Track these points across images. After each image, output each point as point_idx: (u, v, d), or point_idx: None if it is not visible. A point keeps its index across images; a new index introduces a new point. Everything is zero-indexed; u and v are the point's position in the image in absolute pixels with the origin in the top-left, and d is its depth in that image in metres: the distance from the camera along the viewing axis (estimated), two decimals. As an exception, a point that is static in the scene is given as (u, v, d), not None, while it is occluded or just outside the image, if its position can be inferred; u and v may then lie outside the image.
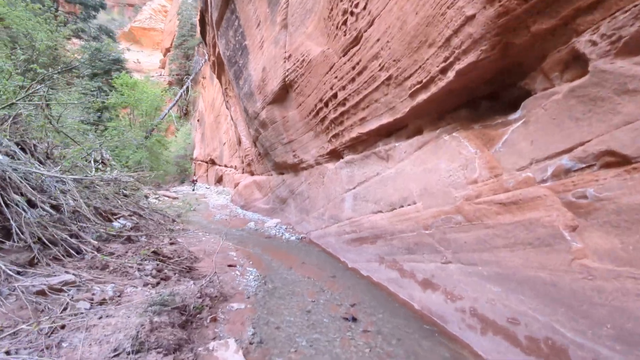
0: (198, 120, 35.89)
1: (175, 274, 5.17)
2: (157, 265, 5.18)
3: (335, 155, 7.75)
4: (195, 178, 31.09)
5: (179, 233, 8.69)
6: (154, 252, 5.59)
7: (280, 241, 9.59)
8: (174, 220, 10.69)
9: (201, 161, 34.34)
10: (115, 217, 6.94)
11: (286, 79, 8.42)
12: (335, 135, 7.20)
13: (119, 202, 8.03)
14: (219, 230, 10.82)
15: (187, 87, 27.56)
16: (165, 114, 25.36)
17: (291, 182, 10.67)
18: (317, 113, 7.60)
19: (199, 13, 16.47)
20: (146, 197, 15.78)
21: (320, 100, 7.20)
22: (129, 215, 7.29)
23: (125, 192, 9.29)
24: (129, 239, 6.12)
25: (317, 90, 7.29)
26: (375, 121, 5.70)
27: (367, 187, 6.45)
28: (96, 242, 4.88)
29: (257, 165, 14.44)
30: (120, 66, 27.47)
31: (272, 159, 11.06)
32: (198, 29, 17.72)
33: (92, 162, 9.67)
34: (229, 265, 6.59)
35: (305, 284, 6.01)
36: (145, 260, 5.16)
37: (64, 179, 5.80)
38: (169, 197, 20.51)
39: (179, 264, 5.59)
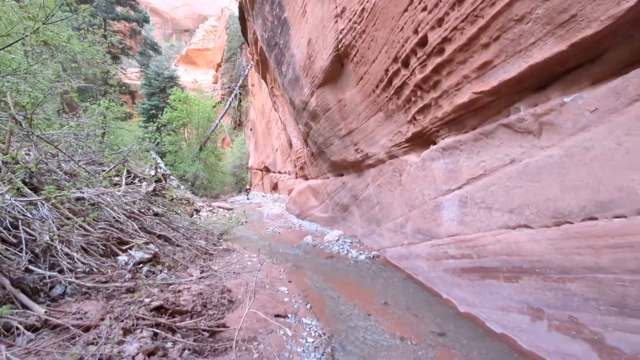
0: (251, 129, 34.94)
1: (182, 352, 2.93)
2: (153, 336, 2.98)
3: (421, 141, 5.12)
4: (248, 187, 29.87)
5: (215, 259, 6.61)
6: (156, 308, 3.42)
7: (345, 262, 7.13)
8: (218, 238, 8.75)
9: (256, 169, 33.20)
10: (126, 246, 4.96)
11: (340, 46, 5.98)
12: (423, 110, 4.58)
13: (144, 221, 6.13)
14: (270, 247, 8.67)
15: (236, 94, 26.47)
16: (217, 125, 24.36)
17: (353, 185, 8.18)
18: (389, 82, 5.05)
19: (238, 9, 14.76)
20: (197, 211, 14.37)
21: (395, 59, 4.65)
22: (147, 243, 5.29)
23: (156, 209, 7.47)
24: (132, 281, 4.03)
25: (387, 46, 4.74)
26: (515, 63, 3.01)
27: (488, 186, 3.75)
28: (42, 311, 2.79)
29: (310, 168, 12.18)
30: (174, 83, 27.13)
31: (328, 157, 8.68)
32: (239, 27, 16.07)
33: (124, 176, 8.07)
34: (276, 316, 4.26)
35: (400, 352, 3.47)
36: (134, 330, 2.99)
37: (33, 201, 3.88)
38: (223, 208, 19.08)
39: (194, 329, 3.35)
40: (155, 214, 7.11)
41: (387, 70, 4.96)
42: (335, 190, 9.34)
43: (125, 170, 8.39)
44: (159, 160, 25.59)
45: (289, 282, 5.63)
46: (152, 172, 17.18)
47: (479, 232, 3.98)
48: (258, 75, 28.89)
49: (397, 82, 4.80)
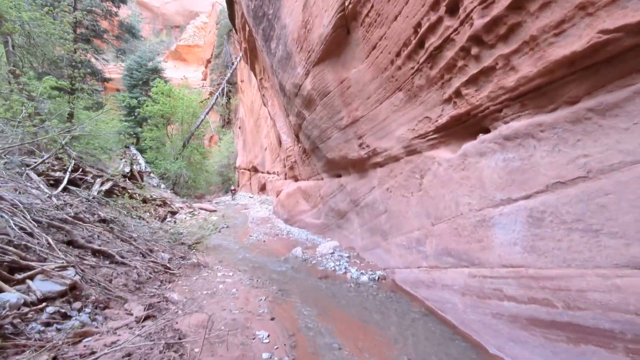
0: (239, 128, 33.12)
1: None
2: None
3: (461, 128, 3.60)
4: (234, 187, 28.09)
5: (178, 280, 4.95)
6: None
7: (344, 285, 5.56)
8: (189, 249, 7.10)
9: (244, 169, 31.40)
10: (25, 274, 3.28)
11: (347, 3, 4.45)
12: (476, 79, 3.05)
13: (75, 232, 4.45)
14: (251, 261, 7.05)
15: (224, 89, 24.69)
16: (202, 120, 22.50)
17: (354, 188, 6.64)
18: (420, 44, 3.54)
19: (225, -9, 13.14)
20: (173, 213, 12.62)
21: (434, 5, 3.14)
22: (64, 267, 3.62)
23: (105, 214, 5.78)
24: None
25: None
26: None
27: (594, 196, 2.26)
28: None
29: (301, 167, 10.61)
30: (158, 76, 25.21)
31: (323, 155, 7.13)
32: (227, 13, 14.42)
33: (68, 172, 6.36)
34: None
35: None
36: None
37: None
38: (206, 209, 17.32)
39: None
40: (102, 221, 5.42)
41: (417, 27, 3.44)
42: (331, 193, 7.79)
43: (71, 165, 6.69)
44: (139, 157, 23.65)
45: (272, 319, 4.03)
46: (127, 169, 15.37)
47: (569, 268, 2.48)
48: (247, 71, 27.17)
49: (433, 41, 3.28)
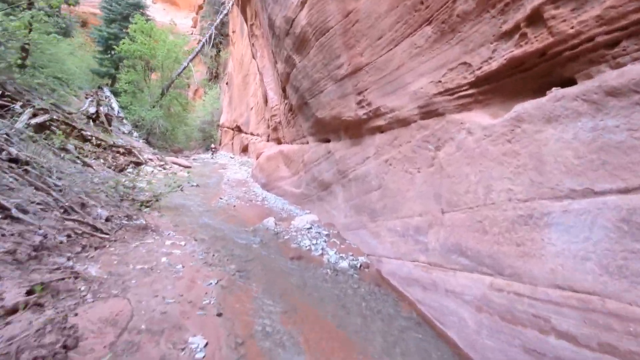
0: (227, 83, 30.88)
1: None
2: None
3: (511, 82, 2.46)
4: (214, 146, 26.50)
5: (109, 247, 3.77)
6: None
7: (319, 271, 4.54)
8: (140, 207, 5.88)
9: (227, 128, 29.57)
10: None
11: None
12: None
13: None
14: (213, 228, 5.92)
15: (212, 35, 22.42)
16: (185, 67, 20.40)
17: (343, 156, 5.50)
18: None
19: None
20: (137, 164, 11.15)
21: None
22: None
23: (16, 152, 4.41)
24: None
25: None
26: None
27: None
28: None
29: (286, 129, 9.32)
30: (141, 12, 22.53)
31: (312, 113, 5.87)
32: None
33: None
34: None
35: None
36: None
37: None
38: (180, 165, 15.90)
39: None
40: (13, 160, 4.08)
41: None
42: (316, 160, 6.62)
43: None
44: (112, 100, 21.50)
45: (218, 315, 2.96)
46: (92, 109, 13.61)
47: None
48: (240, 20, 24.80)
49: None
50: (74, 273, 2.98)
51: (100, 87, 21.48)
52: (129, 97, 19.49)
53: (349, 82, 4.54)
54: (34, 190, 3.83)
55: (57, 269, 2.93)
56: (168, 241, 4.66)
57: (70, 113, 10.82)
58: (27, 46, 11.62)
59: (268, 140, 13.36)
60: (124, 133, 17.26)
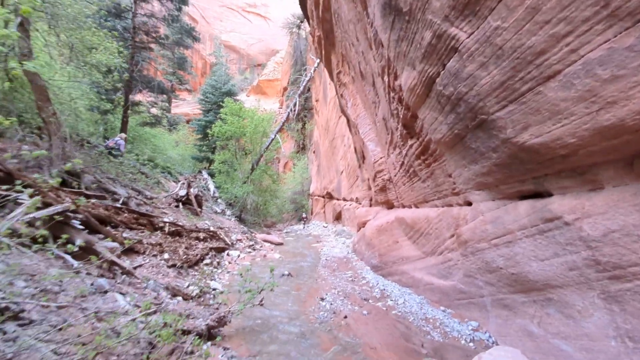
0: (314, 152, 30.24)
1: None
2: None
3: None
4: (305, 215, 24.71)
5: None
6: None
7: None
8: (190, 348, 3.19)
9: (318, 196, 27.98)
10: None
11: None
12: None
13: None
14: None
15: (296, 103, 21.99)
16: (272, 139, 19.77)
17: (611, 229, 2.15)
18: None
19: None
20: (219, 250, 9.07)
21: None
22: None
23: None
24: None
25: None
26: None
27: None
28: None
29: (404, 186, 6.32)
30: (233, 99, 23.59)
31: (503, 138, 2.72)
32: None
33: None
34: None
35: None
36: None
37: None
38: (271, 242, 13.81)
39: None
40: None
41: None
42: (500, 234, 3.31)
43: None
44: (209, 181, 21.65)
45: None
46: (181, 192, 12.72)
47: None
48: (323, 88, 24.29)
49: None
50: None
51: (200, 171, 22.08)
52: (223, 177, 19.18)
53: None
54: None
55: None
56: None
57: (151, 198, 9.65)
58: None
59: (371, 205, 10.41)
60: (216, 213, 16.32)
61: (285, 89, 40.13)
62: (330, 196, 23.67)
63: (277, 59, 60.80)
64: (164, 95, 27.45)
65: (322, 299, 5.70)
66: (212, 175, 20.80)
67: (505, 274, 3.41)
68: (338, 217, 21.17)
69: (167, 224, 7.49)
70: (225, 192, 18.05)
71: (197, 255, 7.03)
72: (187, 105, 49.54)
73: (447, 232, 4.55)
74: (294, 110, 21.80)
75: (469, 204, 3.80)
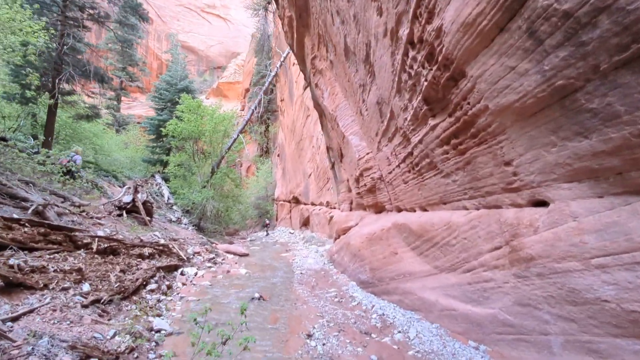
0: (278, 156, 28.52)
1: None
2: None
3: None
4: (267, 222, 23.18)
5: None
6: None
7: None
8: None
9: (283, 201, 26.27)
10: None
11: None
12: None
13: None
14: None
15: (261, 100, 20.21)
16: (234, 140, 17.78)
17: None
18: None
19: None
20: (173, 269, 7.12)
21: None
22: None
23: None
24: None
25: None
26: None
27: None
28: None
29: (403, 186, 5.06)
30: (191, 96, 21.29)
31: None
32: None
33: None
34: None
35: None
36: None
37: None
38: (235, 254, 11.97)
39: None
40: None
41: None
42: (618, 249, 2.09)
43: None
44: (163, 187, 19.13)
45: None
46: (126, 199, 10.53)
47: None
48: (288, 87, 22.77)
49: None
50: None
51: (152, 175, 19.48)
52: (179, 181, 16.89)
53: None
54: None
55: None
56: None
57: (80, 206, 7.54)
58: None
59: (352, 210, 9.07)
60: (170, 222, 14.09)
61: (247, 90, 38.03)
62: (297, 201, 22.14)
63: (238, 61, 58.21)
64: (111, 91, 24.35)
65: (309, 336, 4.19)
66: (166, 179, 18.38)
67: (612, 311, 2.17)
68: (306, 223, 19.68)
69: (96, 239, 5.56)
70: (181, 198, 15.80)
71: (137, 280, 5.19)
72: (141, 107, 45.41)
73: (485, 243, 3.28)
74: (258, 109, 19.97)
75: (541, 204, 2.55)
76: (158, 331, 4.10)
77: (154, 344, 3.73)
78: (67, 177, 8.78)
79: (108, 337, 3.30)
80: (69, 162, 9.40)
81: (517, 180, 2.65)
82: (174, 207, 16.35)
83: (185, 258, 8.24)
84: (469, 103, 2.70)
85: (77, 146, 10.81)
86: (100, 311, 3.81)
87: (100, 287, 4.53)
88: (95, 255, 5.34)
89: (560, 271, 2.47)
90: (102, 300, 4.07)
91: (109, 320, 3.73)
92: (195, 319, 2.83)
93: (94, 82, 12.85)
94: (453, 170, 3.44)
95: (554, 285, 2.56)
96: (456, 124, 3.00)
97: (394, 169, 5.35)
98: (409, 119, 3.96)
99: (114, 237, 6.61)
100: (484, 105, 2.51)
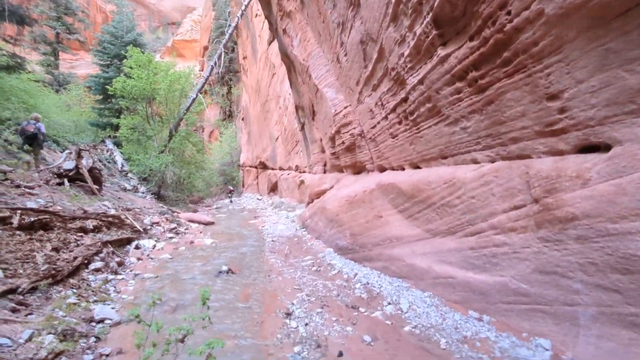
0: (243, 119, 26.71)
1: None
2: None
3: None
4: (231, 188, 22.37)
5: None
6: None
7: None
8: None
9: (249, 167, 25.00)
10: None
11: None
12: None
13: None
14: None
15: (221, 54, 18.21)
16: (194, 99, 15.92)
17: None
18: None
19: None
20: (128, 241, 6.03)
21: None
22: None
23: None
24: None
25: None
26: None
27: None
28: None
29: (388, 140, 4.38)
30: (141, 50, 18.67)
31: None
32: None
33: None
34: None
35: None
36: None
37: None
38: (199, 222, 10.99)
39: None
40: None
41: None
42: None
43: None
44: (115, 152, 17.16)
45: None
46: (68, 165, 8.96)
47: None
48: (251, 42, 20.72)
49: None
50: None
51: (102, 140, 17.29)
52: (133, 146, 15.07)
53: None
54: None
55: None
56: None
57: (4, 172, 6.14)
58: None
59: (325, 172, 8.35)
60: (125, 190, 12.61)
61: (205, 48, 34.70)
62: (264, 166, 21.06)
63: (195, 17, 52.66)
64: (45, 45, 20.87)
65: (289, 315, 3.55)
66: (118, 145, 16.39)
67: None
68: (274, 189, 18.83)
69: (18, 212, 4.39)
70: (137, 164, 14.15)
71: (74, 258, 4.19)
72: (86, 67, 40.07)
73: (501, 202, 2.70)
74: (219, 65, 17.99)
75: (593, 149, 1.95)
76: (101, 321, 3.25)
77: (93, 339, 2.90)
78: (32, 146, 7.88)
79: (20, 342, 2.41)
80: (34, 128, 8.21)
81: (563, 118, 2.00)
82: (129, 175, 14.70)
83: (141, 229, 7.19)
84: (509, 12, 1.95)
85: (36, 113, 9.10)
86: (14, 305, 2.86)
87: (22, 271, 3.52)
88: (17, 232, 4.22)
89: (614, 233, 1.92)
90: (20, 290, 3.10)
91: (26, 316, 2.81)
92: (137, 316, 2.01)
93: (11, 25, 10.43)
94: (465, 115, 2.75)
95: (601, 250, 2.03)
96: (481, 48, 2.26)
97: (379, 122, 4.60)
98: (407, 54, 3.15)
99: (47, 209, 5.41)
100: (538, 9, 1.76)
